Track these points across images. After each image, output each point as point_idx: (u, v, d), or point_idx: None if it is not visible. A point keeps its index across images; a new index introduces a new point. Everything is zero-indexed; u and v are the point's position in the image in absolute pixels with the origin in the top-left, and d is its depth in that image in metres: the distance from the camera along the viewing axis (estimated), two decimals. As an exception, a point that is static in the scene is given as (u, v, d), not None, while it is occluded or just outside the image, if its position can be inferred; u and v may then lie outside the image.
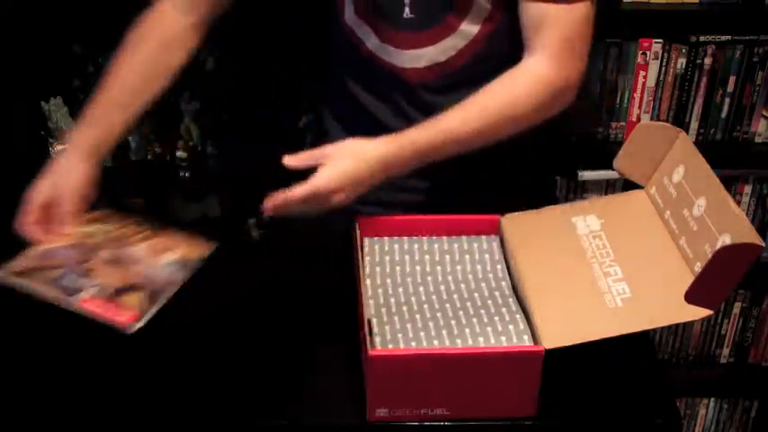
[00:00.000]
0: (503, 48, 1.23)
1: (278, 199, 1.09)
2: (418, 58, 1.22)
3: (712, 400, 2.11)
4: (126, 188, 1.72)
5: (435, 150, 1.13)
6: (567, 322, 1.03)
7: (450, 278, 1.14)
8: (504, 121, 1.15)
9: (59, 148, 1.69)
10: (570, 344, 0.99)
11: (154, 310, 1.12)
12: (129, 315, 1.10)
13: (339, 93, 1.34)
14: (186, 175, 1.74)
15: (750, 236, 0.95)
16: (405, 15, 1.18)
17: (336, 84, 1.34)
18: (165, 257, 1.20)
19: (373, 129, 1.27)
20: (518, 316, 1.06)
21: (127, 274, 1.17)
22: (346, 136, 1.21)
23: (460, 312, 1.08)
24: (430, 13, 1.18)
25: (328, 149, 1.11)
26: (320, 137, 1.46)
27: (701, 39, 1.72)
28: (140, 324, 1.10)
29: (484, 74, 1.24)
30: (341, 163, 1.09)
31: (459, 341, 1.03)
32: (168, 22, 1.24)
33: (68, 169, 1.19)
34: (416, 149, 1.12)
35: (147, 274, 1.17)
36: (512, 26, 1.21)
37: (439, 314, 1.07)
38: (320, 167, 1.09)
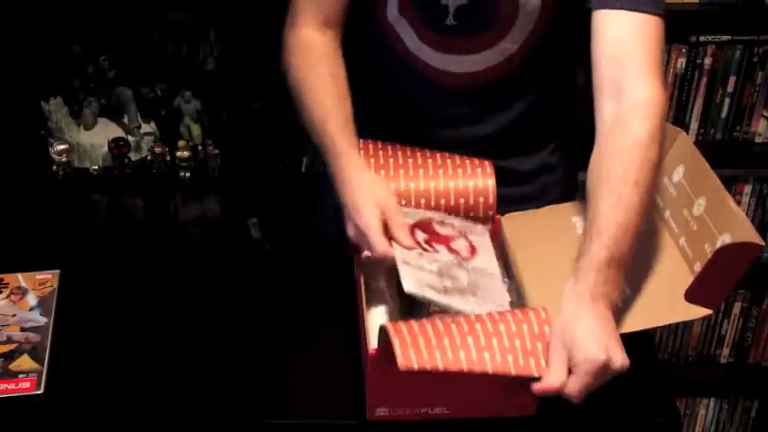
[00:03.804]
0: (537, 70, 1.23)
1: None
2: (454, 63, 1.22)
3: (712, 400, 2.11)
4: (126, 188, 1.72)
5: (621, 248, 1.00)
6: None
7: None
8: (650, 164, 1.04)
9: (60, 147, 1.69)
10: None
11: (45, 367, 1.10)
12: (27, 382, 1.08)
13: (365, 94, 1.33)
14: (186, 175, 1.74)
15: (750, 235, 0.95)
16: (447, 22, 1.18)
17: (363, 85, 1.33)
18: (27, 304, 1.19)
19: (397, 129, 1.27)
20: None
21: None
22: (368, 136, 1.22)
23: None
24: (473, 25, 1.18)
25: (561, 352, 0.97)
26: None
27: (701, 39, 1.72)
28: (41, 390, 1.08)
29: (515, 93, 1.24)
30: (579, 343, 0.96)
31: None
32: (321, 45, 1.21)
33: (374, 182, 1.14)
34: (607, 261, 0.99)
35: (23, 329, 1.15)
36: (550, 49, 1.21)
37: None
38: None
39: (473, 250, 1.13)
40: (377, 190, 1.12)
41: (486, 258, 1.13)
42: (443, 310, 1.04)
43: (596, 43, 1.09)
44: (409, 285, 1.01)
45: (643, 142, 1.03)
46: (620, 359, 0.94)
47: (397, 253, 1.06)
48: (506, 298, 1.09)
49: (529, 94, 1.26)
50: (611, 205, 1.01)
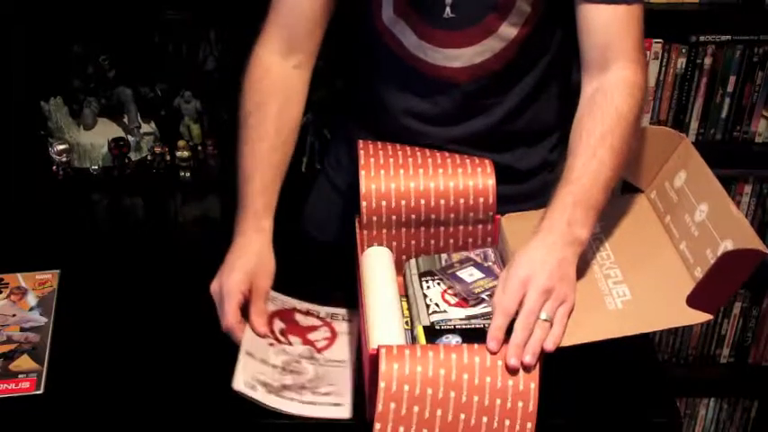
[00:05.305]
0: (535, 55, 1.23)
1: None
2: (455, 57, 1.21)
3: (712, 400, 2.11)
4: (126, 188, 1.72)
5: (588, 193, 1.06)
6: (568, 323, 1.03)
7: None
8: (624, 141, 1.10)
9: (60, 147, 1.69)
10: (570, 345, 0.99)
11: (45, 367, 1.10)
12: (27, 382, 1.09)
13: (364, 94, 1.33)
14: (186, 175, 1.74)
15: (753, 242, 0.94)
16: (445, 15, 1.18)
17: (362, 85, 1.33)
18: (27, 304, 1.19)
19: (397, 129, 1.27)
20: None
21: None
22: (368, 137, 1.22)
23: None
24: (471, 14, 1.18)
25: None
26: (337, 138, 1.46)
27: (701, 39, 1.72)
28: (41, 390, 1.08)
29: (514, 81, 1.24)
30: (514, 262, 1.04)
31: None
32: (276, 76, 1.21)
33: (263, 257, 1.14)
34: (573, 202, 1.05)
35: (23, 329, 1.16)
36: (546, 33, 1.21)
37: None
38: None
39: (332, 339, 1.14)
40: (261, 263, 1.13)
41: (343, 346, 1.13)
42: None
43: (582, 34, 1.15)
44: (238, 383, 1.01)
45: (623, 113, 1.09)
46: (544, 280, 0.99)
47: (245, 341, 1.07)
48: (348, 388, 1.06)
49: (527, 82, 1.26)
50: (584, 161, 1.07)
